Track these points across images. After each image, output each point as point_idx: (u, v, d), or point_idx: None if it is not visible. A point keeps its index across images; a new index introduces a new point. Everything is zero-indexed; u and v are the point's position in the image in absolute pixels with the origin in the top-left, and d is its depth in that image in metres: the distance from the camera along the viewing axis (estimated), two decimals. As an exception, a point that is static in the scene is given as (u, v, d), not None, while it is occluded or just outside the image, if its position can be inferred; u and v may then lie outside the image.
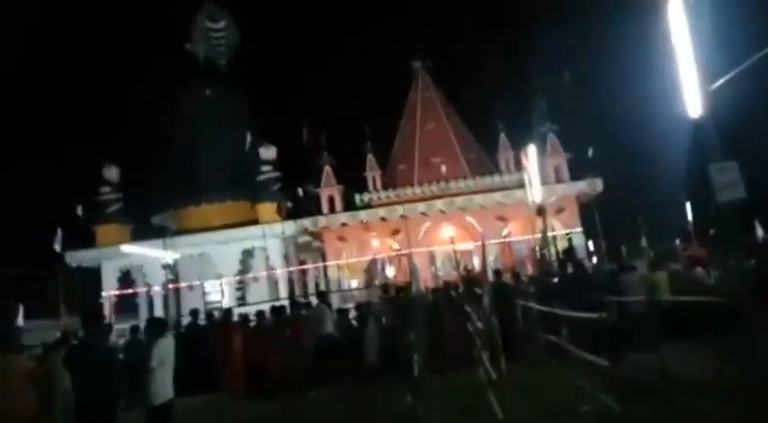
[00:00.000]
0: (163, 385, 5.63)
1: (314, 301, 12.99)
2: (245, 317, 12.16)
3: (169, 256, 16.81)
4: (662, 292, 11.30)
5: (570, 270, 12.21)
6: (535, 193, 15.07)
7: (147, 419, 5.62)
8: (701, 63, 5.97)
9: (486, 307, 8.88)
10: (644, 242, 25.85)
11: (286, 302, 14.18)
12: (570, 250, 14.59)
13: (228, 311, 12.45)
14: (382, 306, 12.95)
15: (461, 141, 27.04)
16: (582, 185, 23.40)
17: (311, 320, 11.42)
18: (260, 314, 11.85)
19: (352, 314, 13.87)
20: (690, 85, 5.95)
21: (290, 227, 23.96)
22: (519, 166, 25.79)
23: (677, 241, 24.37)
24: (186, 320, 14.06)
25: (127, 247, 18.75)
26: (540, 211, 14.67)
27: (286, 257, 26.50)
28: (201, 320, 13.10)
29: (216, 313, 14.82)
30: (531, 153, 15.04)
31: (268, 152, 25.06)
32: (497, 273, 12.87)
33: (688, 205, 23.47)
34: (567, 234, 25.05)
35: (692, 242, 19.16)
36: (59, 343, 9.21)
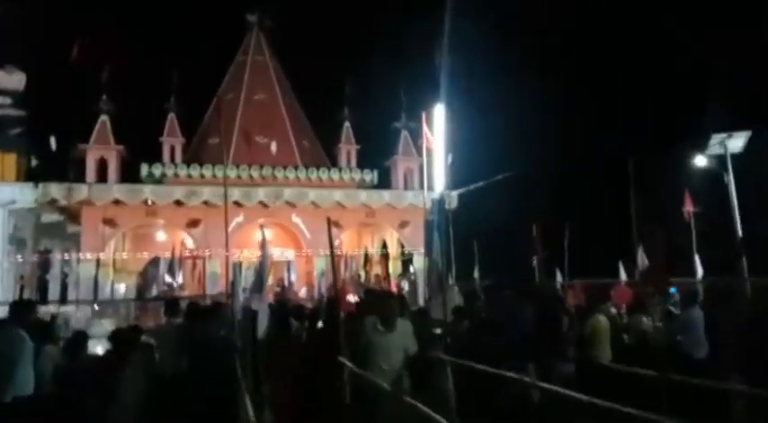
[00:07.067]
0: None
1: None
2: None
3: None
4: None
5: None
6: (438, 179, 10.23)
7: None
8: None
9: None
10: (475, 273, 22.90)
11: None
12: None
13: None
14: (163, 338, 6.84)
15: (295, 123, 21.54)
16: (434, 197, 19.45)
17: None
18: None
19: (101, 347, 7.57)
20: None
21: (27, 192, 15.85)
22: (362, 163, 21.30)
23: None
24: None
25: None
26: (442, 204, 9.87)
27: (19, 241, 18.01)
28: None
29: None
30: (439, 117, 10.19)
31: (11, 79, 16.67)
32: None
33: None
34: (405, 253, 21.02)
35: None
36: None
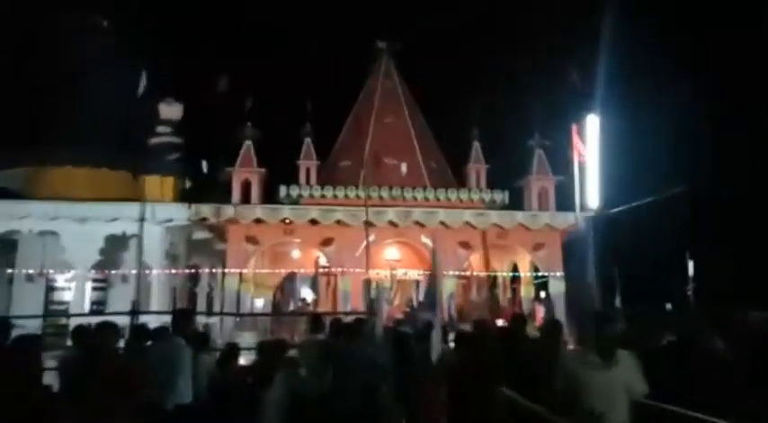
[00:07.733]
0: None
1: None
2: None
3: None
4: None
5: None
6: (591, 197, 9.53)
7: None
8: None
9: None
10: (617, 303, 21.11)
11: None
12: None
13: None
14: (308, 353, 6.85)
15: (423, 144, 21.61)
16: (572, 218, 18.26)
17: (146, 371, 5.18)
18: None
19: (243, 359, 7.74)
20: None
21: (181, 212, 17.29)
22: (492, 183, 20.76)
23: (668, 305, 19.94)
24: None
25: None
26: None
27: (173, 257, 19.66)
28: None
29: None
30: (592, 128, 9.54)
31: (171, 110, 18.44)
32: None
33: (690, 263, 19.14)
34: (538, 277, 20.00)
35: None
36: None
